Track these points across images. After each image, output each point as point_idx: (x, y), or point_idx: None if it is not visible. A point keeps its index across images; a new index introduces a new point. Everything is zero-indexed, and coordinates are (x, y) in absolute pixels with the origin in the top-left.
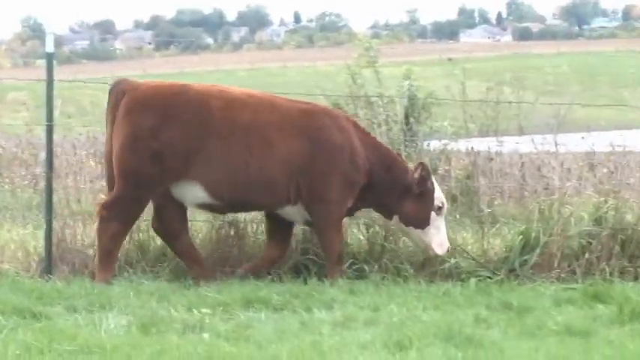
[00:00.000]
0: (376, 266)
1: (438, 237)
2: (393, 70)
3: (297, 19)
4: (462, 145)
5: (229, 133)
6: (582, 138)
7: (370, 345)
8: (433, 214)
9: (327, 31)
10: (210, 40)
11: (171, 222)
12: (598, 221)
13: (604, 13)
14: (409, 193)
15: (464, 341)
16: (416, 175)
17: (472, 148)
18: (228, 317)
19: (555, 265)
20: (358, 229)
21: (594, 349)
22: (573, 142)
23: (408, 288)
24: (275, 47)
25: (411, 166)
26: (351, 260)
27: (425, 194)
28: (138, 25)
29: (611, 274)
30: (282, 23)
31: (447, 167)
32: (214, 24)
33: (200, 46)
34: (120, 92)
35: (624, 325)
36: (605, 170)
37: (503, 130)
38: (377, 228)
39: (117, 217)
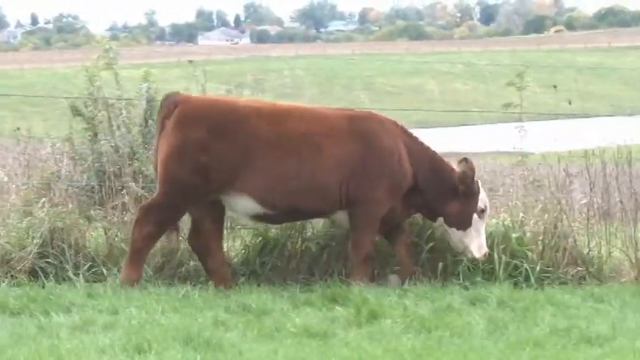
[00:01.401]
0: (115, 269)
1: (477, 240)
2: (132, 73)
3: (34, 20)
4: None
5: (278, 143)
6: None
7: (109, 349)
8: (475, 216)
9: (65, 33)
10: None
11: (206, 239)
12: (335, 223)
13: (341, 16)
14: (454, 194)
15: (203, 344)
16: (458, 170)
17: None
18: None
19: (294, 266)
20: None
21: (332, 351)
22: None
23: (147, 291)
24: (12, 49)
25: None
26: (89, 264)
27: (469, 196)
28: None
29: (348, 275)
30: (18, 25)
31: None
32: None
33: None
34: (172, 104)
35: (362, 326)
36: None
37: None
38: (116, 231)
39: (153, 220)
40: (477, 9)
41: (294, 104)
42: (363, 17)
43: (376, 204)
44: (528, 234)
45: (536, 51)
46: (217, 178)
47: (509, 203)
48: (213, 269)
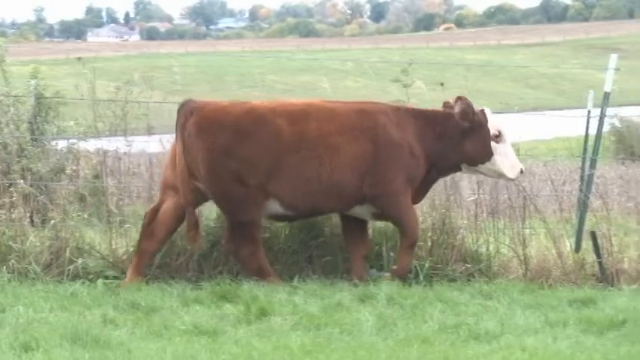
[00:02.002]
0: (4, 267)
1: (507, 162)
2: (20, 69)
3: None
4: (92, 144)
5: (298, 146)
6: None
7: None
8: (493, 143)
9: None
10: None
11: (163, 225)
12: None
13: (231, 14)
14: (464, 136)
15: (91, 342)
16: (457, 110)
17: (101, 147)
18: None
19: (183, 264)
20: None
21: (221, 348)
22: None
23: (35, 289)
24: None
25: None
26: None
27: (477, 129)
28: None
29: (238, 273)
30: None
31: (75, 167)
32: None
33: None
34: (188, 112)
35: (251, 324)
36: None
37: (133, 129)
38: (4, 228)
39: (245, 242)
40: (368, 6)
41: (311, 101)
42: (254, 14)
43: (400, 195)
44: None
45: (426, 48)
46: (254, 180)
47: None
48: (146, 250)
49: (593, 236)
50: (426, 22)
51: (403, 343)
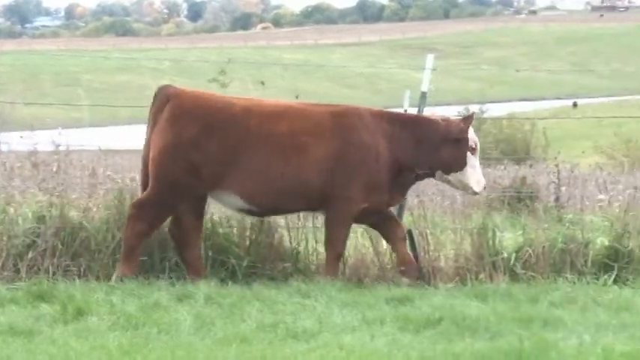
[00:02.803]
0: None
1: (475, 175)
2: None
3: None
4: None
5: (265, 144)
6: (21, 137)
7: None
8: (468, 154)
9: None
10: None
11: (187, 231)
12: (42, 220)
13: (47, 12)
14: (444, 144)
15: None
16: (462, 124)
17: None
18: None
19: (1, 264)
20: None
21: (38, 349)
22: (16, 141)
23: None
24: None
25: (436, 117)
26: None
27: (460, 138)
28: None
29: (55, 273)
30: None
31: None
32: None
33: None
34: (164, 97)
35: (68, 324)
36: (49, 169)
37: None
38: None
39: (145, 217)
40: (185, 5)
41: (281, 102)
42: (70, 13)
43: (350, 202)
44: (235, 229)
45: (244, 48)
46: (208, 176)
47: None
48: (189, 261)
49: (410, 235)
50: (243, 22)
51: (221, 342)
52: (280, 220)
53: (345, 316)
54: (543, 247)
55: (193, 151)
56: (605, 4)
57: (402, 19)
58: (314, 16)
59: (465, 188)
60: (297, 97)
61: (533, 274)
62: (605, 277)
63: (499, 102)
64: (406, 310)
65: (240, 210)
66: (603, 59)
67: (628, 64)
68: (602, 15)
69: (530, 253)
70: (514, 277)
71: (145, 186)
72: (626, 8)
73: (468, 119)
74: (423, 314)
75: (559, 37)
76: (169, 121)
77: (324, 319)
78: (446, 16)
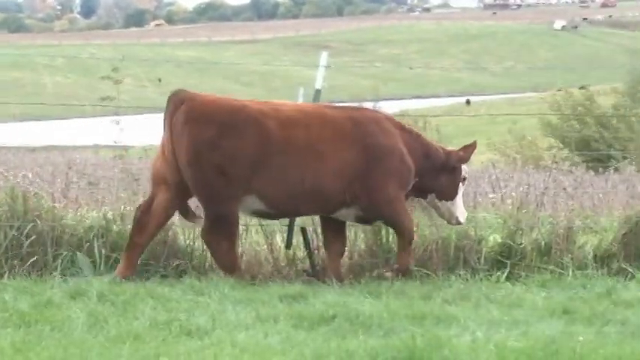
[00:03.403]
0: None
1: (461, 207)
2: None
3: None
4: None
5: (285, 150)
6: None
7: None
8: (460, 184)
9: None
10: None
11: (153, 219)
12: None
13: None
14: (442, 170)
15: None
16: (461, 154)
17: None
18: None
19: None
20: None
21: None
22: None
23: None
24: None
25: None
26: None
27: (455, 168)
28: None
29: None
30: None
31: None
32: None
33: None
34: (178, 101)
35: None
36: None
37: None
38: None
39: (221, 235)
40: (78, 2)
41: (303, 106)
42: None
43: (393, 201)
44: (129, 226)
45: (137, 45)
46: (234, 175)
47: (110, 196)
48: (138, 243)
49: (304, 232)
50: (136, 18)
51: (115, 340)
52: (174, 217)
53: (238, 314)
54: (436, 244)
55: (213, 151)
56: (497, 2)
57: (295, 17)
58: (207, 14)
59: (451, 217)
60: None
61: (426, 271)
62: (498, 273)
63: (392, 99)
64: (300, 308)
65: (256, 212)
66: (496, 57)
67: (520, 62)
68: (495, 13)
69: (423, 250)
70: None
71: (157, 182)
72: (519, 6)
73: (468, 149)
74: (317, 311)
75: (452, 35)
76: (186, 124)
77: (217, 317)
78: (339, 13)
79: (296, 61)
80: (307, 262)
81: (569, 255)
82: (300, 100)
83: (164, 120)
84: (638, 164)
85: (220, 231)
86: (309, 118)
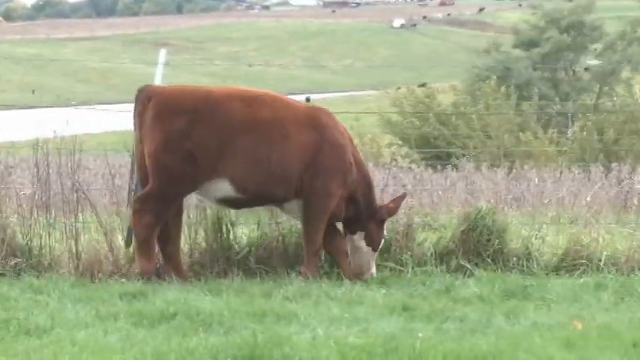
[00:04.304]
0: None
1: (374, 262)
2: None
3: None
4: None
5: (251, 128)
6: None
7: None
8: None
9: None
10: None
11: (169, 226)
12: None
13: None
14: (375, 217)
15: None
16: (391, 205)
17: None
18: None
19: None
20: None
21: None
22: None
23: None
24: None
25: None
26: None
27: (384, 222)
28: None
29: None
30: None
31: None
32: None
33: None
34: (145, 97)
35: None
36: None
37: None
38: None
39: (150, 209)
40: None
41: (268, 91)
42: None
43: (329, 197)
44: None
45: None
46: (204, 163)
47: None
48: (169, 255)
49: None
50: None
51: None
52: (14, 215)
53: (78, 312)
54: (277, 241)
55: (185, 140)
56: (337, 0)
57: (135, 14)
58: (45, 10)
59: (367, 268)
60: (33, 92)
61: (267, 268)
62: (339, 271)
63: None
64: (140, 306)
65: (223, 200)
66: (336, 55)
67: (360, 60)
68: (334, 11)
69: (264, 248)
70: (248, 271)
71: (144, 185)
72: (358, 4)
73: (397, 201)
74: (157, 309)
75: (291, 33)
76: (157, 117)
77: (56, 315)
78: (179, 11)
79: (135, 58)
80: None
81: (409, 252)
82: None
83: (134, 118)
84: (477, 161)
85: (154, 206)
86: (274, 101)
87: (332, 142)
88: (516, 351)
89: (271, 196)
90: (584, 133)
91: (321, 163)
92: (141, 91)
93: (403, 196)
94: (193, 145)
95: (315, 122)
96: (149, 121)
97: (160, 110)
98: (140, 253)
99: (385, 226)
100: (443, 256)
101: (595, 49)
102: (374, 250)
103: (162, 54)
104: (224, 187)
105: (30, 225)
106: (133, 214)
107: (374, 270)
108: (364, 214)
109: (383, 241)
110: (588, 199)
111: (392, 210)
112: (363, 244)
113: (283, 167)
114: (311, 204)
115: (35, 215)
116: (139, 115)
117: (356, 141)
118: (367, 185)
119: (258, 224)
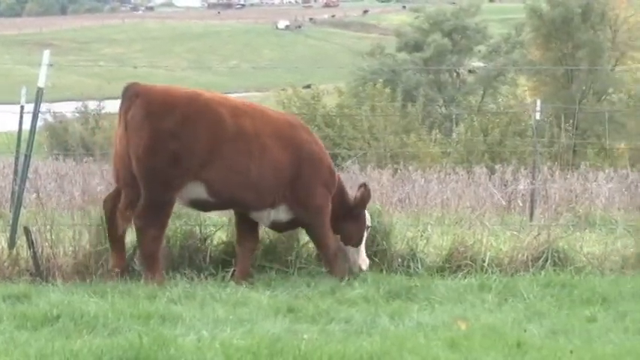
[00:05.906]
0: None
1: (363, 254)
2: None
3: None
4: None
5: (234, 138)
6: None
7: None
8: (365, 232)
9: None
10: None
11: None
12: None
13: None
14: (349, 214)
15: None
16: (358, 195)
17: None
18: None
19: None
20: None
21: None
22: None
23: None
24: None
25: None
26: None
27: (360, 215)
28: None
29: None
30: None
31: None
32: None
33: None
34: (133, 95)
35: None
36: None
37: None
38: None
39: (152, 222)
40: None
41: (247, 101)
42: None
43: (319, 208)
44: None
45: None
46: (187, 165)
47: None
48: (117, 238)
49: (27, 231)
50: None
51: None
52: None
53: None
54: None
55: (173, 141)
56: (221, 2)
57: (18, 14)
58: None
59: (355, 265)
60: None
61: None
62: (224, 272)
63: (117, 98)
64: (23, 308)
65: (194, 202)
66: (220, 56)
67: (245, 62)
68: (219, 12)
69: None
70: (132, 273)
71: (124, 182)
72: (242, 5)
73: (364, 193)
74: (41, 311)
75: (176, 34)
76: (147, 116)
77: None
78: (63, 11)
79: (18, 59)
80: (31, 261)
81: (294, 253)
82: (23, 100)
83: (119, 116)
84: (363, 163)
85: (153, 218)
86: (253, 111)
87: (311, 156)
88: (401, 351)
89: (243, 204)
90: (469, 134)
91: (302, 179)
92: (128, 88)
93: (363, 184)
94: (180, 146)
95: (295, 141)
96: (137, 120)
97: (150, 109)
98: (149, 268)
99: (366, 215)
100: None
101: (479, 51)
102: (355, 245)
103: (47, 55)
104: (198, 190)
105: None
106: (137, 232)
107: (364, 266)
108: (338, 218)
109: (369, 226)
110: (471, 201)
111: (362, 202)
112: (342, 244)
113: (259, 180)
114: (306, 219)
115: None
116: (125, 113)
117: None
118: (340, 191)
119: None
